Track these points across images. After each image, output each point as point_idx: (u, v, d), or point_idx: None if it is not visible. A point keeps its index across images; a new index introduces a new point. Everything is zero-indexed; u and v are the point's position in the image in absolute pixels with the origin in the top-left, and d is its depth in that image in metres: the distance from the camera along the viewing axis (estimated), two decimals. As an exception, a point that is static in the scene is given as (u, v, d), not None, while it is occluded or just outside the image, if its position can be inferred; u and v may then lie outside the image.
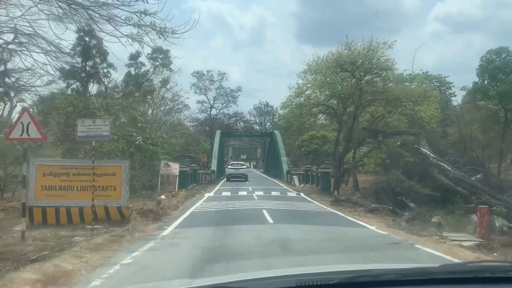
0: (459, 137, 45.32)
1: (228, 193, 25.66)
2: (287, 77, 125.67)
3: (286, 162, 41.31)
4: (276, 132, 50.64)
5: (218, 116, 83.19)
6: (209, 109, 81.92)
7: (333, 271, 2.26)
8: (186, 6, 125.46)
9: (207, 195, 25.03)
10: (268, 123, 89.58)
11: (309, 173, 36.42)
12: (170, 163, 24.02)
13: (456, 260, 7.83)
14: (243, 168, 40.13)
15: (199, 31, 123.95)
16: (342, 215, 16.09)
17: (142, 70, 62.94)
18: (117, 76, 50.70)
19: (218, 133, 49.69)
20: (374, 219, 15.18)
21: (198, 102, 79.90)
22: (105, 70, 42.46)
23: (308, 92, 31.64)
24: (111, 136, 14.64)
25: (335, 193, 26.86)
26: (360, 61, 28.53)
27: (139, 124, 17.41)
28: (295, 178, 36.97)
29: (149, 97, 52.46)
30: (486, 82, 38.33)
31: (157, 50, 63.43)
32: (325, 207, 18.91)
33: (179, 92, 60.52)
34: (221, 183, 37.99)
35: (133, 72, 61.55)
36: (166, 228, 12.24)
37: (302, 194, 26.01)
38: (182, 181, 29.37)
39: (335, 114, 32.85)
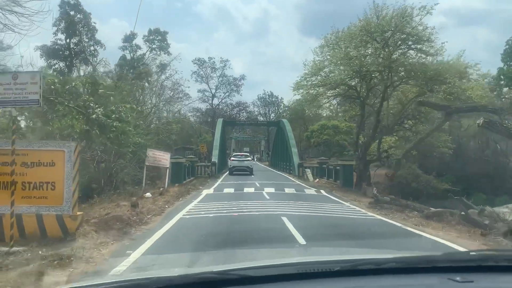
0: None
1: (231, 190, 20.69)
2: (290, 70, 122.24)
3: (296, 153, 36.28)
4: (284, 120, 45.65)
5: (220, 106, 78.20)
6: (210, 98, 77.01)
7: (334, 260, 2.34)
8: None
9: (205, 192, 20.05)
10: (273, 114, 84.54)
11: (324, 166, 31.45)
12: (158, 152, 19.04)
13: None
14: (248, 160, 35.11)
15: (201, 23, 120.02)
16: (397, 224, 11.07)
17: (138, 53, 58.08)
18: (110, 58, 45.67)
19: (220, 121, 44.65)
20: (448, 231, 10.18)
21: (199, 91, 74.83)
22: (92, 48, 37.23)
23: (326, 69, 26.52)
24: (61, 108, 9.67)
25: (366, 190, 21.90)
26: (391, 30, 23.40)
27: (100, 91, 12.27)
28: (308, 171, 31.97)
29: (146, 82, 47.70)
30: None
31: (154, 32, 58.73)
32: (363, 211, 13.90)
33: (179, 80, 55.64)
34: (223, 177, 33.05)
35: (128, 57, 56.78)
36: (130, 254, 7.28)
37: (323, 192, 21.02)
38: (176, 175, 24.49)
39: (358, 96, 27.74)
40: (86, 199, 17.18)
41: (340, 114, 50.25)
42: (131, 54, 57.12)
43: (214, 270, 2.05)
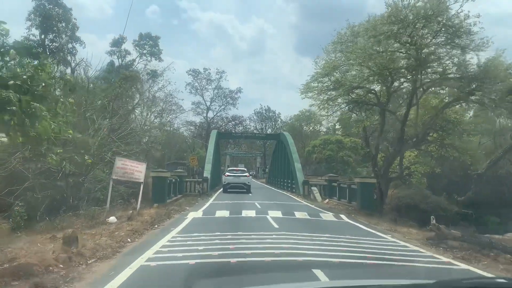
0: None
1: (226, 213, 16.04)
2: (286, 88, 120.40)
3: (300, 170, 31.69)
4: (285, 133, 41.17)
5: (215, 120, 73.79)
6: (205, 111, 72.61)
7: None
8: (186, 15, 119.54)
9: (191, 215, 15.36)
10: (270, 130, 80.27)
11: (334, 184, 26.92)
12: (130, 162, 14.47)
13: None
14: (245, 175, 30.40)
15: (198, 40, 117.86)
16: None
17: (127, 60, 53.74)
18: (94, 62, 41.36)
19: (213, 133, 40.08)
20: None
21: (193, 103, 70.42)
22: (70, 46, 32.75)
23: (341, 68, 22.21)
24: None
25: (391, 215, 17.33)
26: (425, 20, 19.18)
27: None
28: (315, 190, 27.37)
29: (134, 88, 43.41)
30: None
31: (145, 37, 54.51)
32: (425, 252, 9.29)
33: (173, 92, 51.46)
34: (215, 195, 28.36)
35: (116, 63, 52.42)
36: None
37: (344, 217, 16.43)
38: (159, 193, 19.92)
39: (377, 102, 23.39)
40: (41, 220, 12.90)
41: (342, 125, 45.92)
42: (120, 59, 52.89)
43: None
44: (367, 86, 22.92)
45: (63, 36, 34.42)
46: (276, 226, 12.48)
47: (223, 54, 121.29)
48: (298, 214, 16.29)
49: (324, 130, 77.92)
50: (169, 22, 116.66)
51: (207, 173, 30.50)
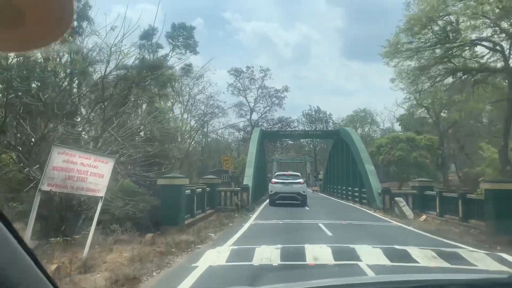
0: None
1: (274, 253, 8.28)
2: (332, 93, 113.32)
3: (374, 173, 23.35)
4: (347, 129, 33.06)
5: (259, 122, 66.45)
6: (248, 113, 65.59)
7: (400, 280, 2.09)
8: (230, 27, 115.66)
9: (205, 261, 7.72)
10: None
11: (430, 193, 18.58)
12: (81, 155, 7.10)
13: None
14: (298, 182, 22.51)
15: (243, 50, 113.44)
16: None
17: (160, 54, 47.51)
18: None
19: (256, 131, 32.60)
20: None
21: (235, 105, 63.40)
22: (75, 24, 26.31)
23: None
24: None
25: None
26: None
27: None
28: (402, 202, 19.02)
29: (170, 87, 37.21)
30: None
31: (178, 27, 48.12)
32: None
33: (214, 94, 45.25)
34: (259, 209, 20.75)
35: (147, 58, 46.31)
36: None
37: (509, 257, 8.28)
38: (170, 209, 12.70)
39: (505, 66, 14.96)
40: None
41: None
42: (151, 54, 46.64)
43: None
44: (490, 39, 14.63)
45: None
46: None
47: (267, 63, 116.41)
48: (416, 253, 8.32)
49: (382, 128, 69.26)
50: (214, 34, 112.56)
51: (248, 180, 22.91)
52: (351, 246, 9.00)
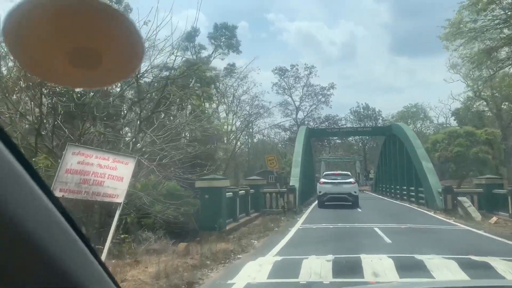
0: None
1: (325, 266, 7.03)
2: (381, 91, 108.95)
3: (433, 171, 21.33)
4: (400, 124, 30.98)
5: (306, 121, 64.74)
6: (294, 113, 64.21)
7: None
8: (274, 28, 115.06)
9: (243, 278, 6.60)
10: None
11: (498, 192, 16.52)
12: (96, 154, 6.16)
13: None
14: (349, 182, 20.93)
15: (287, 50, 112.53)
16: None
17: (203, 56, 47.19)
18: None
19: (302, 129, 31.26)
20: None
21: (280, 104, 62.09)
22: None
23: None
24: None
25: None
26: None
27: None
28: (467, 202, 17.05)
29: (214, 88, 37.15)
30: None
31: (220, 27, 47.68)
32: None
33: (258, 94, 44.52)
34: (307, 212, 19.46)
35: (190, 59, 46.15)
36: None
37: None
38: (209, 213, 11.74)
39: None
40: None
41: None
42: (194, 55, 46.52)
43: None
44: None
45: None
46: None
47: (312, 62, 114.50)
48: (502, 267, 6.77)
49: (436, 123, 65.44)
50: (258, 36, 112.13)
51: (294, 181, 21.62)
52: (417, 257, 7.58)
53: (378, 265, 7.00)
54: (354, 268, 6.83)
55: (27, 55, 0.57)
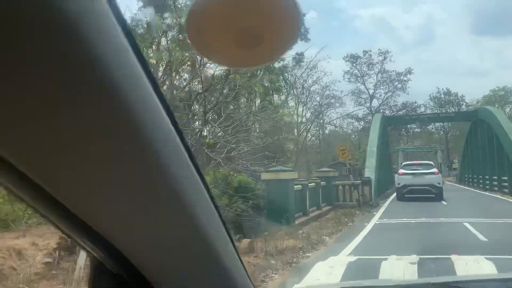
0: None
1: (408, 269, 5.97)
2: (463, 75, 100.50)
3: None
4: (489, 108, 28.06)
5: (381, 109, 61.65)
6: (368, 101, 61.36)
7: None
8: (345, 15, 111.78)
9: (311, 280, 5.76)
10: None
11: None
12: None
13: None
14: (432, 172, 19.12)
15: (359, 37, 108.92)
16: None
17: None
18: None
19: (377, 117, 29.49)
20: None
21: (352, 93, 59.51)
22: None
23: None
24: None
25: None
26: None
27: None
28: None
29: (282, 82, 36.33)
30: None
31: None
32: None
33: (329, 84, 42.90)
34: (385, 205, 18.06)
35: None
36: None
37: None
38: (277, 207, 11.03)
39: None
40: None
41: None
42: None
43: None
44: None
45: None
46: None
47: (387, 48, 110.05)
48: None
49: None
50: (328, 24, 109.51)
51: (369, 172, 20.19)
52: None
53: (474, 269, 5.81)
54: (446, 273, 5.68)
55: (205, 43, 0.58)
